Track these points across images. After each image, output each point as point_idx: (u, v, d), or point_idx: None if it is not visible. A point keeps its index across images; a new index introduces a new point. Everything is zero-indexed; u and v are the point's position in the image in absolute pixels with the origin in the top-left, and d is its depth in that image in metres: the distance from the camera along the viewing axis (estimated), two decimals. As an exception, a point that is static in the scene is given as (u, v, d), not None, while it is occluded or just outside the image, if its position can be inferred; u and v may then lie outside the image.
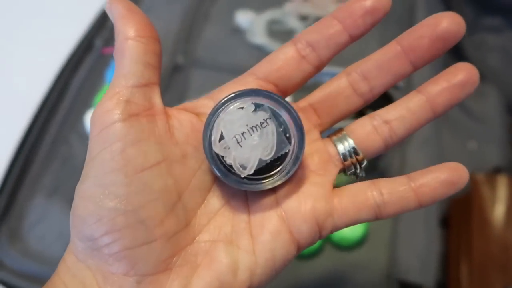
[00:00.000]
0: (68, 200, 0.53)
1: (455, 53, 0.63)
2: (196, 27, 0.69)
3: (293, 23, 0.67)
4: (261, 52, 0.65)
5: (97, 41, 0.66)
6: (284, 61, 0.26)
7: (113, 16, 0.25)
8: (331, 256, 0.51)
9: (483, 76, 0.57)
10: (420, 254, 0.50)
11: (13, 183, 0.55)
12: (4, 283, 0.50)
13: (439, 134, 0.58)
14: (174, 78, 0.64)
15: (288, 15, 0.67)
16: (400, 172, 0.54)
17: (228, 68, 0.64)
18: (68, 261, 0.24)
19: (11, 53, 0.70)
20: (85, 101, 0.62)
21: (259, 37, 0.65)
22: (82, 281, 0.23)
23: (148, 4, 0.71)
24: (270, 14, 0.68)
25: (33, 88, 0.61)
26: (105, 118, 0.23)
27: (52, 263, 0.51)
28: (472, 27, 0.65)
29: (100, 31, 0.67)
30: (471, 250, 0.50)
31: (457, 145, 0.61)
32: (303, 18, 0.68)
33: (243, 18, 0.67)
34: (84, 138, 0.59)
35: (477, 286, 0.48)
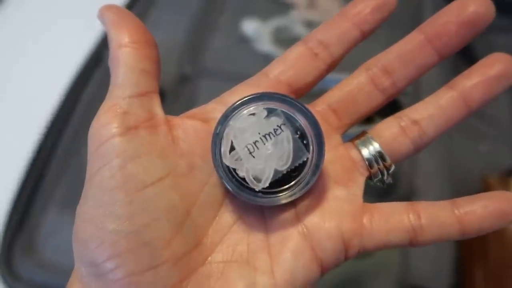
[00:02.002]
0: None
1: (464, 54, 0.61)
2: (203, 37, 0.67)
3: (299, 30, 0.65)
4: (268, 60, 0.62)
5: (106, 53, 0.64)
6: (296, 59, 0.24)
7: (105, 24, 0.23)
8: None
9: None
10: (433, 259, 0.47)
11: (27, 196, 0.54)
12: (20, 295, 0.48)
13: (450, 137, 0.56)
14: (182, 88, 0.62)
15: (294, 22, 0.65)
16: (411, 176, 0.52)
17: (236, 77, 0.60)
18: None
19: (22, 67, 0.69)
20: (95, 113, 0.60)
21: (265, 45, 0.64)
22: None
23: (155, 15, 0.69)
24: (276, 22, 0.66)
25: (44, 101, 0.60)
26: (102, 133, 0.21)
27: (66, 274, 0.48)
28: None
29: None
30: (486, 255, 0.47)
31: (469, 148, 0.58)
32: (309, 25, 0.66)
33: (250, 26, 0.65)
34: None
35: (494, 290, 0.46)
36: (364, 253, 0.22)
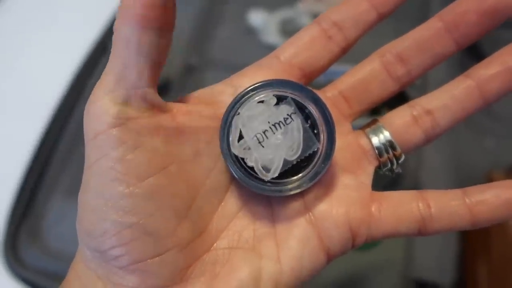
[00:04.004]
0: None
1: (471, 49, 0.60)
2: (210, 28, 0.66)
3: (306, 21, 0.63)
4: None
5: (110, 44, 0.64)
6: (309, 42, 0.23)
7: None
8: (347, 256, 0.48)
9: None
10: (437, 253, 0.46)
11: (33, 183, 0.54)
12: (25, 281, 0.49)
13: (456, 133, 0.55)
14: (188, 79, 0.61)
15: (301, 14, 0.64)
16: (416, 172, 0.51)
17: (242, 68, 0.61)
18: (77, 269, 0.21)
19: (28, 56, 0.68)
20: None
21: (272, 36, 0.62)
22: None
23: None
24: (282, 14, 0.64)
25: (50, 90, 0.59)
26: (100, 122, 0.19)
27: (71, 261, 0.49)
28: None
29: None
30: (489, 251, 0.46)
31: (474, 143, 0.57)
32: (316, 16, 0.64)
33: (256, 18, 0.64)
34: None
35: (497, 286, 0.45)
36: (370, 244, 0.21)
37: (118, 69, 0.19)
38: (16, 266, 0.49)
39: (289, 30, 0.64)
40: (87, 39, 0.63)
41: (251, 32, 0.65)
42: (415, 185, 0.50)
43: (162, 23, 0.19)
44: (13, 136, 0.59)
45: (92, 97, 0.20)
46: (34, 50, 0.69)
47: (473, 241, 0.49)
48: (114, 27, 0.20)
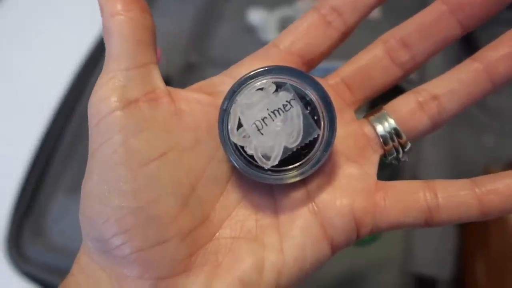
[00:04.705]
0: None
1: (469, 46, 0.59)
2: (209, 26, 0.66)
3: (305, 20, 0.64)
4: None
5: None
6: (308, 28, 0.22)
7: None
8: (346, 250, 0.48)
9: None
10: (436, 248, 0.46)
11: (35, 180, 0.54)
12: (28, 275, 0.49)
13: (454, 129, 0.54)
14: (188, 76, 0.61)
15: (299, 12, 0.64)
16: (414, 168, 0.50)
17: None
18: (81, 262, 0.21)
19: (30, 55, 0.68)
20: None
21: (271, 34, 0.62)
22: (96, 283, 0.20)
23: (162, 4, 0.68)
24: (282, 12, 0.64)
25: (52, 88, 0.59)
26: (101, 107, 0.19)
27: (74, 257, 0.49)
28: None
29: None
30: (488, 245, 0.46)
31: (472, 140, 0.56)
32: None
33: (256, 16, 0.64)
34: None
35: (495, 281, 0.44)
36: (370, 237, 0.20)
37: (114, 53, 0.20)
38: (20, 261, 0.49)
39: (288, 28, 0.64)
40: (88, 37, 0.63)
41: (250, 30, 0.65)
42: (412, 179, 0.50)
43: (140, 5, 0.20)
44: (16, 133, 0.59)
45: (94, 87, 0.20)
46: (35, 49, 0.69)
47: (472, 236, 0.49)
48: (103, 24, 0.20)
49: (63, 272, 0.48)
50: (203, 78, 0.70)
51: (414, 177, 0.50)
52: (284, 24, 0.64)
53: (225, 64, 0.73)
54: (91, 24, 0.64)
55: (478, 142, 0.57)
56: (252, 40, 0.64)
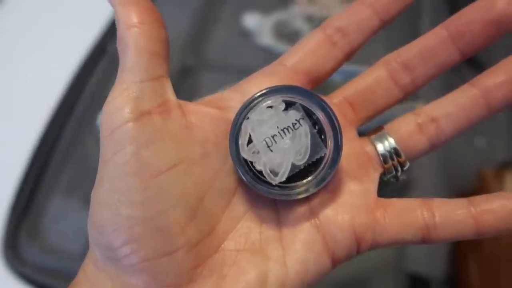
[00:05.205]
0: (85, 199, 0.52)
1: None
2: (206, 30, 0.66)
3: (300, 24, 0.64)
4: (269, 53, 0.62)
5: (110, 45, 0.63)
6: (314, 48, 0.23)
7: (111, 2, 0.21)
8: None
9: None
10: (430, 247, 0.46)
11: (32, 182, 0.53)
12: (25, 277, 0.48)
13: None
14: (184, 80, 0.61)
15: (295, 16, 0.64)
16: (407, 171, 0.51)
17: (237, 69, 0.61)
18: (87, 270, 0.21)
19: (28, 58, 0.68)
20: (99, 103, 0.59)
21: (266, 38, 0.62)
22: None
23: (158, 7, 0.68)
24: (277, 16, 0.64)
25: (49, 91, 0.59)
26: (115, 118, 0.19)
27: (70, 258, 0.49)
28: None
29: (113, 35, 0.63)
30: (480, 246, 0.46)
31: (464, 142, 0.57)
32: (309, 19, 0.65)
33: (251, 20, 0.64)
34: (98, 139, 0.56)
35: (489, 281, 0.45)
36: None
37: (129, 64, 0.20)
38: (16, 263, 0.49)
39: (283, 32, 0.64)
40: (87, 39, 0.63)
41: (246, 34, 0.65)
42: (406, 183, 0.50)
43: (155, 18, 0.21)
44: (14, 134, 0.58)
45: (108, 98, 0.20)
46: (33, 51, 0.68)
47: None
48: (118, 34, 0.20)
49: (60, 274, 0.48)
50: (199, 80, 0.70)
51: (406, 179, 0.50)
52: (279, 28, 0.64)
53: (221, 67, 0.72)
54: (89, 27, 0.64)
55: (470, 144, 0.57)
56: (247, 44, 0.64)
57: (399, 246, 0.47)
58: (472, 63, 0.24)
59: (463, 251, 0.49)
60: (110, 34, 0.65)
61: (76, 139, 0.57)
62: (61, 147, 0.56)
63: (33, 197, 0.53)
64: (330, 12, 0.63)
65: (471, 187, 0.52)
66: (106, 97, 0.57)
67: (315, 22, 0.64)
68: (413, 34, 0.64)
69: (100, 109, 0.59)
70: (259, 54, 0.63)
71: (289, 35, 0.64)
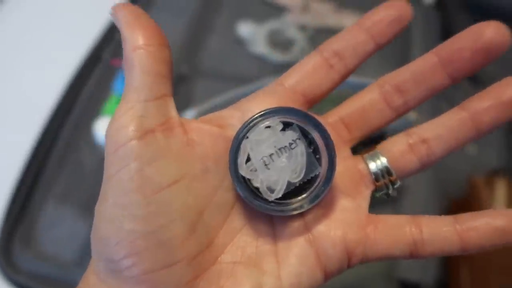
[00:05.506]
0: (79, 205, 0.53)
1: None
2: (200, 38, 0.67)
3: (293, 33, 0.64)
4: (262, 62, 0.63)
5: (105, 53, 0.64)
6: (311, 70, 0.23)
7: (118, 23, 0.21)
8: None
9: (480, 81, 0.55)
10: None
11: (26, 189, 0.53)
12: (18, 285, 0.48)
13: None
14: (179, 88, 0.61)
15: (288, 25, 0.65)
16: (398, 188, 0.52)
17: (231, 78, 0.62)
18: (89, 281, 0.21)
19: (23, 64, 0.67)
20: (94, 110, 0.60)
21: (260, 47, 0.63)
22: None
23: (153, 16, 0.67)
24: (270, 25, 0.65)
25: (44, 98, 0.59)
26: (120, 136, 0.20)
27: (65, 266, 0.50)
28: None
29: (108, 43, 0.65)
30: (472, 254, 0.47)
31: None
32: (303, 28, 0.65)
33: (245, 29, 0.64)
34: (93, 146, 0.57)
35: (480, 287, 0.46)
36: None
37: (134, 84, 0.21)
38: (9, 270, 0.49)
39: (276, 41, 0.65)
40: (82, 46, 0.63)
41: (240, 42, 0.65)
42: (397, 190, 0.50)
43: (160, 40, 0.21)
44: (8, 141, 0.58)
45: (114, 115, 0.21)
46: (29, 55, 0.68)
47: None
48: (124, 55, 0.21)
49: (53, 281, 0.48)
50: (193, 88, 0.70)
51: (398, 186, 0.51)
52: (272, 37, 0.65)
53: (215, 76, 0.72)
54: (85, 33, 0.64)
55: (462, 151, 0.58)
56: (241, 52, 0.64)
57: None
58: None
59: (454, 259, 0.50)
60: (104, 42, 0.65)
61: (70, 146, 0.57)
62: (55, 154, 0.56)
63: (27, 204, 0.53)
64: (323, 21, 0.64)
65: (462, 193, 0.53)
66: (100, 104, 0.57)
67: (308, 31, 0.65)
68: (404, 43, 0.65)
69: (95, 115, 0.59)
70: (253, 62, 0.63)
71: (282, 44, 0.64)
